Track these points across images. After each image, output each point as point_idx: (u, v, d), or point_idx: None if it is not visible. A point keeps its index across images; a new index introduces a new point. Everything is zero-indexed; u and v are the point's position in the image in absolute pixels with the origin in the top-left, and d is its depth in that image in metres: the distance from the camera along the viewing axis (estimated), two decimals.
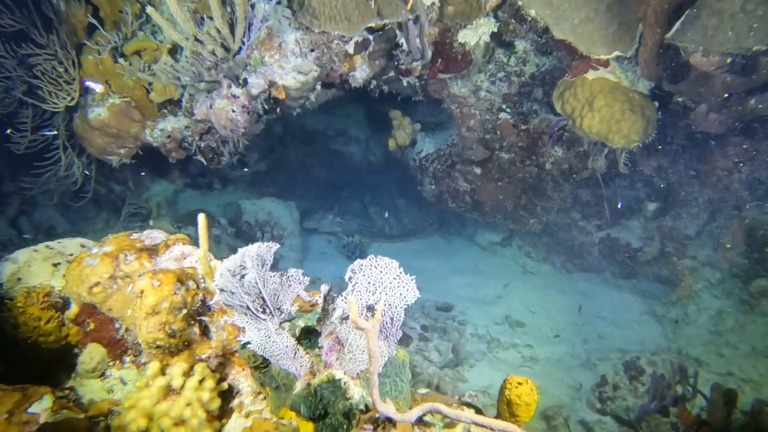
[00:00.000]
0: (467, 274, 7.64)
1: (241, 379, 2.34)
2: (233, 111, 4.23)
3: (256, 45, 4.24)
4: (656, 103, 3.86)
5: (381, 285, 1.98)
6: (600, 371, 4.98)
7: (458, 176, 6.43)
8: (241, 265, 1.90)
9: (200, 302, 2.28)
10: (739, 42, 2.99)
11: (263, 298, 1.98)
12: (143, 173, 6.55)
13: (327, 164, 8.96)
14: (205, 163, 5.50)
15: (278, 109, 4.76)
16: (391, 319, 1.99)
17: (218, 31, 3.76)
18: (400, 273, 1.99)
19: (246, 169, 8.32)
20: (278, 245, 1.94)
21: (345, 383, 2.01)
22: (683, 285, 5.96)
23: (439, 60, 4.83)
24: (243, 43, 4.01)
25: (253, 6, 3.93)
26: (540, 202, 6.36)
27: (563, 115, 4.12)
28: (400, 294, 1.98)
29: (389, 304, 1.98)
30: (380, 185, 8.73)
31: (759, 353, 4.60)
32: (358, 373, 2.04)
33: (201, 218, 2.12)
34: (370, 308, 1.95)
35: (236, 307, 1.99)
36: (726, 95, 3.73)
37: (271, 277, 1.96)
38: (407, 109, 7.24)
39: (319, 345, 2.09)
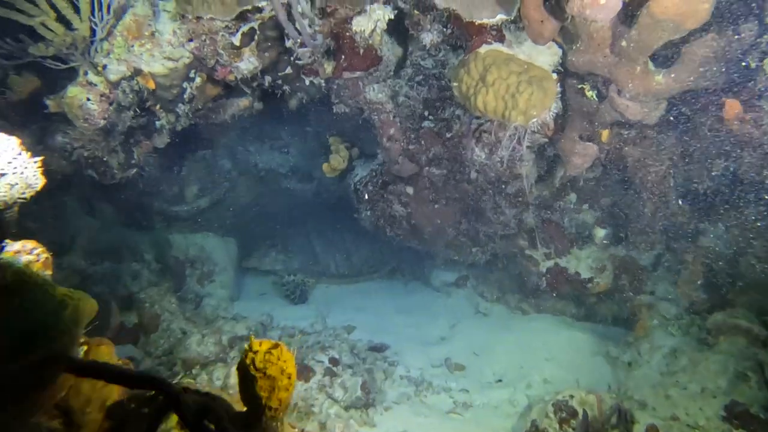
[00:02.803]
0: (414, 314, 6.90)
1: None
2: (88, 99, 3.79)
3: (121, 32, 3.88)
4: (555, 75, 3.35)
5: None
6: (533, 416, 4.14)
7: (392, 199, 5.88)
8: None
9: None
10: None
11: None
12: None
13: (277, 202, 8.48)
14: (97, 177, 5.01)
15: (158, 105, 4.33)
16: None
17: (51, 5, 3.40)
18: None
19: (184, 207, 7.83)
20: None
21: None
22: (641, 324, 5.17)
23: (342, 56, 4.43)
24: (93, 23, 3.64)
25: None
26: (481, 227, 5.74)
27: (461, 97, 3.62)
28: None
29: None
30: (329, 221, 8.17)
31: (708, 394, 3.77)
32: None
33: None
34: None
35: None
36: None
37: None
38: (357, 141, 6.86)
39: None
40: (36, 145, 4.52)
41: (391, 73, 4.76)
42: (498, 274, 6.60)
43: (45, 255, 1.82)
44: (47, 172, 4.67)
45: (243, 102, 5.18)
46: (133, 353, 5.32)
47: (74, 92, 3.79)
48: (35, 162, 1.39)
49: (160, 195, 7.59)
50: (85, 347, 1.62)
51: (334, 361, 4.89)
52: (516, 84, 3.23)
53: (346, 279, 7.88)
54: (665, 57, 3.61)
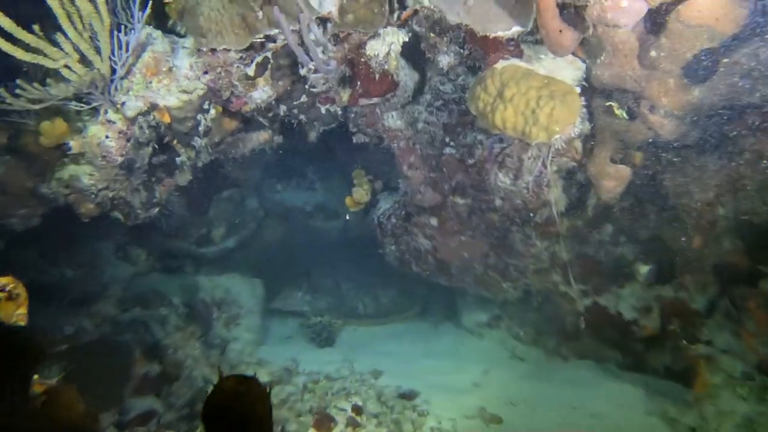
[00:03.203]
0: (445, 358, 6.48)
1: None
2: (107, 137, 3.79)
3: (140, 69, 3.91)
4: (579, 89, 3.11)
5: None
6: None
7: (416, 231, 5.65)
8: None
9: None
10: None
11: None
12: None
13: (304, 241, 8.36)
14: (122, 219, 4.98)
15: (175, 140, 4.30)
16: None
17: (75, 47, 3.43)
18: None
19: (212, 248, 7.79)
20: None
21: None
22: (700, 380, 4.57)
23: (358, 83, 4.33)
24: (113, 62, 3.67)
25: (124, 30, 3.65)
26: (511, 261, 5.41)
27: (478, 116, 3.42)
28: None
29: None
30: (356, 260, 7.97)
31: None
32: None
33: None
34: None
35: None
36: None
37: None
38: (382, 175, 6.74)
39: None
40: (64, 188, 4.55)
41: (410, 98, 4.63)
42: (533, 314, 6.17)
43: (17, 291, 1.71)
44: (77, 214, 4.73)
45: (263, 135, 5.13)
46: (156, 405, 5.11)
47: (94, 131, 3.81)
48: None
49: (188, 237, 7.62)
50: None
51: (357, 410, 4.55)
52: (536, 99, 3.01)
53: (375, 320, 7.56)
54: (701, 68, 3.32)
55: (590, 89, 3.41)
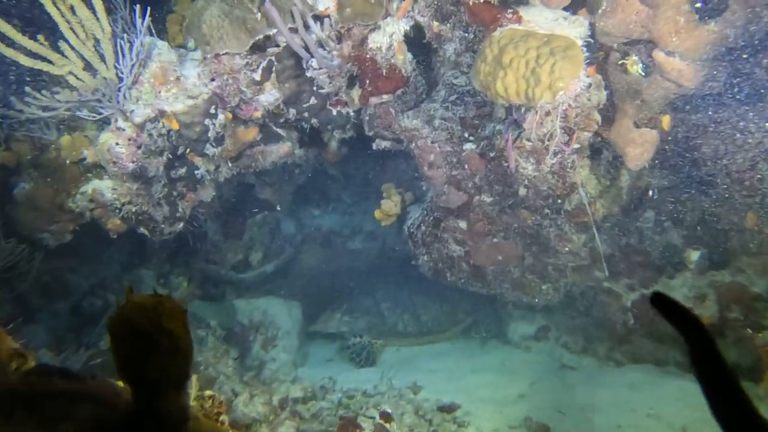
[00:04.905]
0: (490, 373, 6.08)
1: None
2: (117, 144, 3.89)
3: (148, 79, 4.03)
4: (581, 41, 2.89)
5: None
6: None
7: (447, 237, 5.42)
8: None
9: None
10: None
11: None
12: None
13: (342, 264, 8.28)
14: (148, 234, 5.07)
15: (189, 150, 4.36)
16: None
17: (79, 55, 3.58)
18: None
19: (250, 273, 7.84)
20: None
21: None
22: None
23: (366, 81, 4.28)
24: (119, 70, 3.80)
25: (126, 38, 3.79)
26: (549, 260, 5.07)
27: (481, 90, 3.26)
28: None
29: None
30: (395, 279, 7.77)
31: None
32: None
33: None
34: None
35: None
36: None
37: None
38: (413, 189, 6.63)
39: None
40: (89, 202, 4.70)
41: (423, 95, 4.54)
42: (580, 320, 5.75)
43: None
44: (105, 230, 4.85)
45: (282, 148, 5.14)
46: None
47: (105, 138, 3.93)
48: None
49: (225, 263, 7.72)
50: None
51: (385, 417, 4.30)
52: (535, 58, 2.83)
53: (416, 339, 7.27)
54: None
55: (598, 47, 3.19)
